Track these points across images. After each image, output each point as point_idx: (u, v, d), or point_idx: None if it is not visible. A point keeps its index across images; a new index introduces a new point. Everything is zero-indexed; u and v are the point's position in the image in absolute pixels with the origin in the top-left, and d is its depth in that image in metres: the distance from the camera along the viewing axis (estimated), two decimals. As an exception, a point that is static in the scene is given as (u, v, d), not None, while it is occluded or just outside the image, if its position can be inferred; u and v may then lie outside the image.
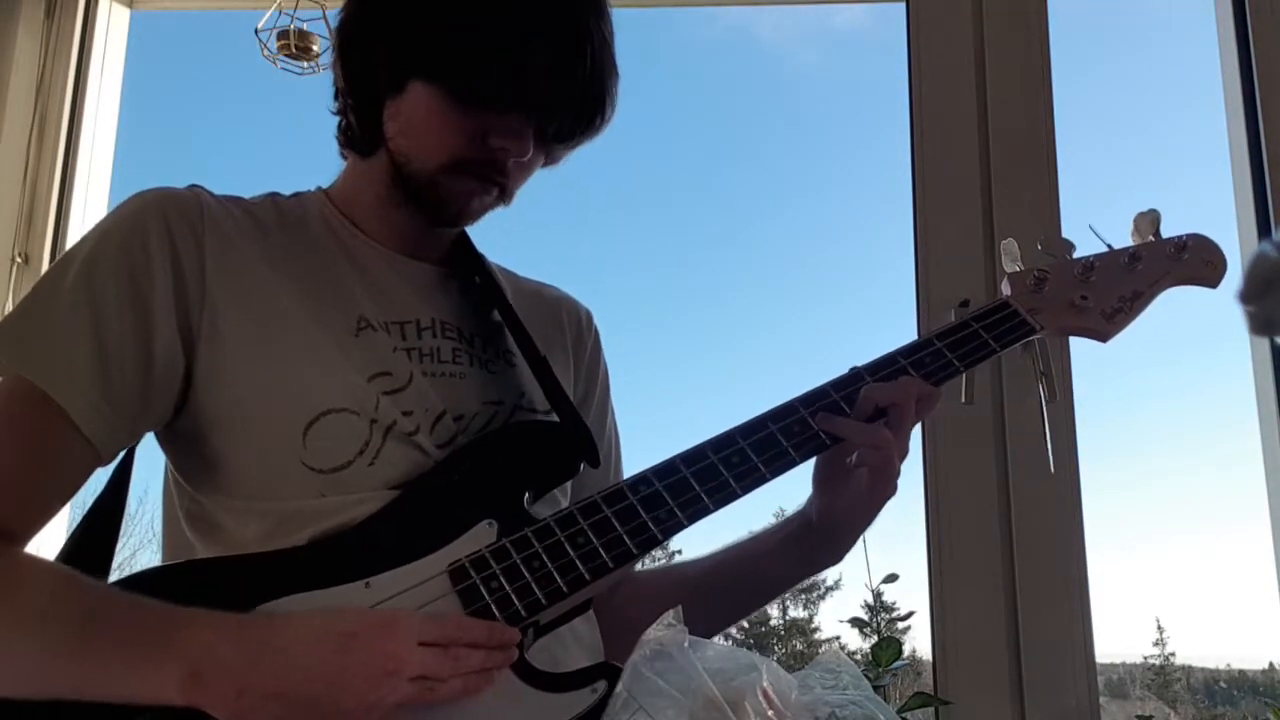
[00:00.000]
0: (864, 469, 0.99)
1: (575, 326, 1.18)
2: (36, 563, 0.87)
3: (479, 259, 1.12)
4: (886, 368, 1.03)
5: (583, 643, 0.98)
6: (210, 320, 0.93)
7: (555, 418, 1.03)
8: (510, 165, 0.98)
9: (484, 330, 1.07)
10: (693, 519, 0.93)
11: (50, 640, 0.81)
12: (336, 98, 1.05)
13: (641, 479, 0.94)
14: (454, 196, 0.99)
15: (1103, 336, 1.11)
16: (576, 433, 1.01)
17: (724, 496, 0.94)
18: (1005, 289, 1.13)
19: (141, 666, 0.79)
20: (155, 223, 0.94)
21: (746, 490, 0.95)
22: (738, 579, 1.11)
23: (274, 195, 1.07)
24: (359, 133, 1.02)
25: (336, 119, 1.06)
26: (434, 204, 1.00)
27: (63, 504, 0.91)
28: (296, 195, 1.09)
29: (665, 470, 0.95)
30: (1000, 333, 1.07)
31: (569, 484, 1.04)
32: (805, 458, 0.98)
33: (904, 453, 1.01)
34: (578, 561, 0.89)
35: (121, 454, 0.96)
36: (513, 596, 0.87)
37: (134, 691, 0.78)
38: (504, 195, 1.02)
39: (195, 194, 0.99)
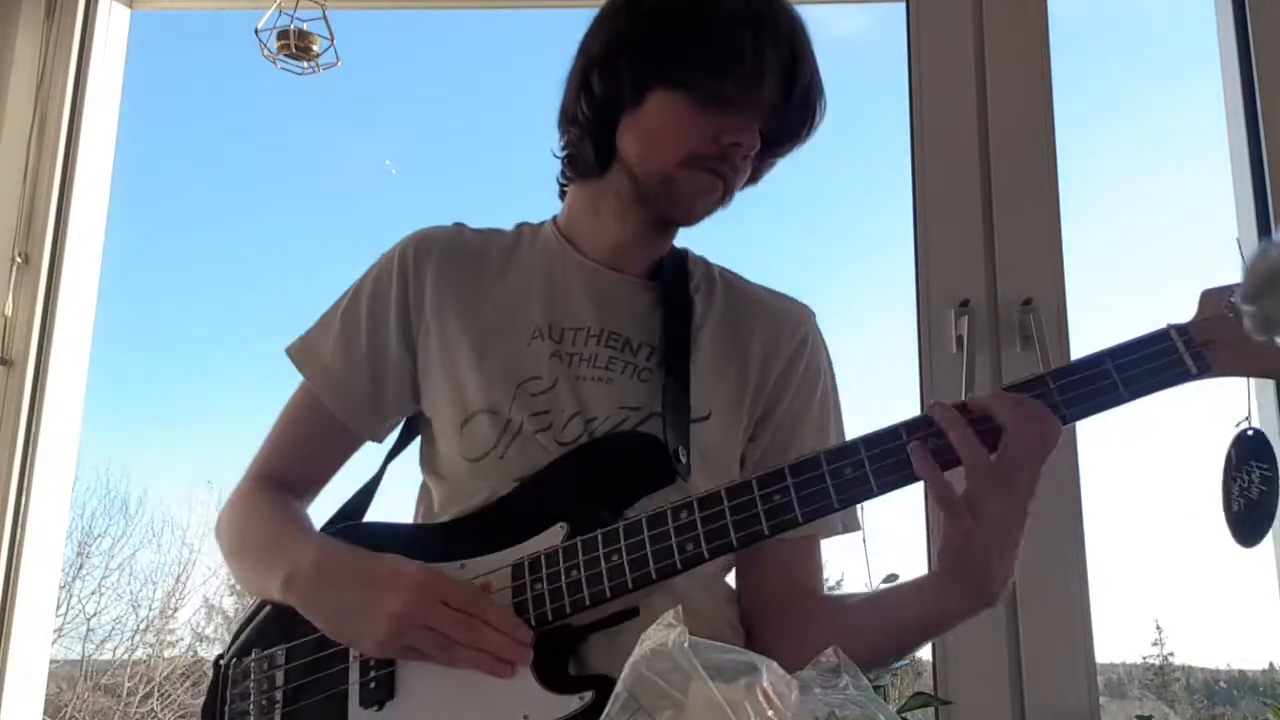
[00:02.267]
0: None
1: (776, 338, 1.16)
2: (265, 499, 1.16)
3: (685, 275, 1.18)
4: (1034, 388, 0.90)
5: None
6: (424, 335, 1.15)
7: (702, 425, 1.08)
8: (738, 161, 1.07)
9: (657, 340, 1.12)
10: (715, 552, 0.94)
11: (251, 552, 1.13)
12: (568, 135, 1.14)
13: (685, 505, 0.95)
14: (686, 190, 1.08)
15: None
16: (661, 446, 1.03)
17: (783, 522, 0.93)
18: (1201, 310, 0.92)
19: (272, 570, 1.05)
20: (401, 258, 1.17)
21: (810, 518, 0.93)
22: (882, 624, 1.05)
23: (523, 225, 1.23)
24: (594, 155, 1.11)
25: (561, 156, 1.16)
26: (667, 199, 1.09)
27: (332, 474, 1.22)
28: (539, 225, 1.23)
29: (707, 500, 0.95)
30: (1148, 369, 0.90)
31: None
32: (886, 489, 0.94)
33: (1018, 501, 0.90)
34: (604, 575, 0.95)
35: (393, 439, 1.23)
36: (546, 598, 0.96)
37: (270, 589, 1.06)
38: (728, 193, 1.11)
39: (450, 231, 1.20)
